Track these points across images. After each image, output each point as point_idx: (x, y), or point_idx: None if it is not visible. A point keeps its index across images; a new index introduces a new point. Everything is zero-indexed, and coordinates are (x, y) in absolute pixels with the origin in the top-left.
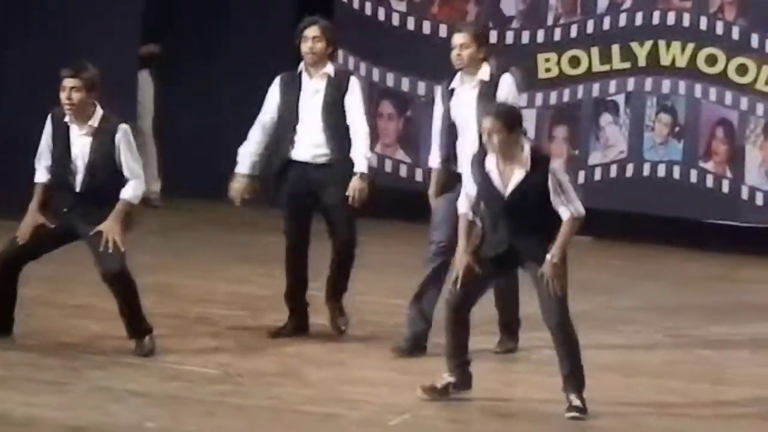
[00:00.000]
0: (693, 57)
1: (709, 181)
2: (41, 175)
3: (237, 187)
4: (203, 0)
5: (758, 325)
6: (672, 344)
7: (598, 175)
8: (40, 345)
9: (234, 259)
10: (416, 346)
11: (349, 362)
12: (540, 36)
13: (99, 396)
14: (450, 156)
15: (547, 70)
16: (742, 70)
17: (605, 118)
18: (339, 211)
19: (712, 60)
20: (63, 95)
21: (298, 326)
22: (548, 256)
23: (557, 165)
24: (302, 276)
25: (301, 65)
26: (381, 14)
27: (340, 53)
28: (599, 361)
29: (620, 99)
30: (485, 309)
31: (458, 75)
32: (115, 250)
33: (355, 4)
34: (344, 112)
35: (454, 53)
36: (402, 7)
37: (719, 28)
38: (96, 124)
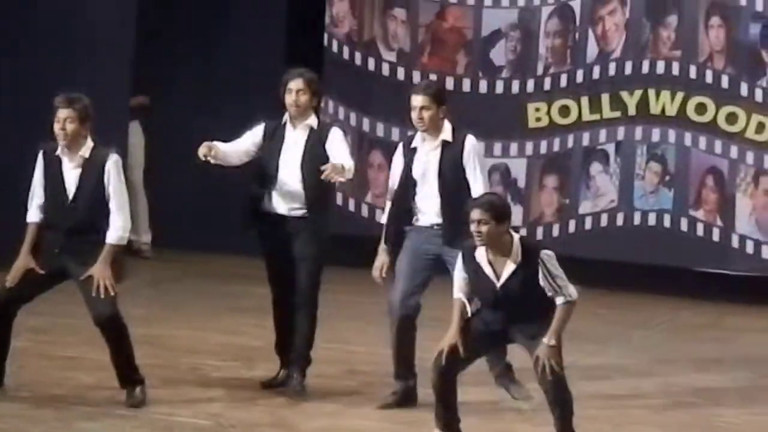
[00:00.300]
0: (683, 105)
1: (700, 230)
2: (33, 215)
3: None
4: (193, 48)
5: (748, 374)
6: (662, 393)
7: (588, 224)
8: (32, 397)
9: (226, 310)
10: (406, 399)
11: (341, 413)
12: (530, 85)
13: None
14: (401, 212)
15: (537, 119)
16: (732, 118)
17: (595, 167)
18: (304, 265)
19: (701, 108)
20: (57, 126)
21: (289, 376)
22: (544, 340)
23: (546, 253)
24: (290, 326)
25: (286, 116)
26: (371, 64)
27: (330, 103)
28: (588, 412)
29: (610, 148)
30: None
31: (418, 134)
32: (106, 294)
33: (345, 54)
34: (325, 163)
35: (414, 115)
36: (392, 57)
37: (709, 77)
38: (87, 155)
